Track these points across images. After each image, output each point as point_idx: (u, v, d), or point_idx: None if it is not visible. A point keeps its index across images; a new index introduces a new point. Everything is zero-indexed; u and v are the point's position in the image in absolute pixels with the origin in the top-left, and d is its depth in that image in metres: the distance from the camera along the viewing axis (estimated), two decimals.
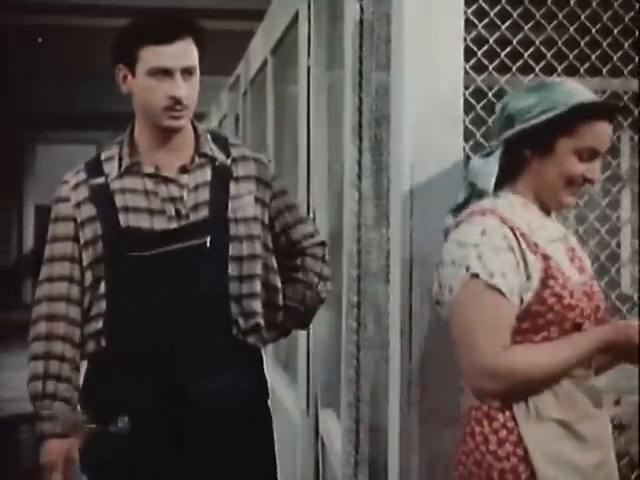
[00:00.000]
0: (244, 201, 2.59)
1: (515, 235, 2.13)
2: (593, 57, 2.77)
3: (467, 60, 2.56)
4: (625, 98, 2.78)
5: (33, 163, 15.81)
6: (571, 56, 2.75)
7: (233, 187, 2.59)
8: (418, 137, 2.47)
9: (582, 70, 2.76)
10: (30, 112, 14.08)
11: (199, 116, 12.21)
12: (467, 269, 2.10)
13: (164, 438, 2.53)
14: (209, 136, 2.63)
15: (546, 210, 2.24)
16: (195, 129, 2.62)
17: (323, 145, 4.19)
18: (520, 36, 2.72)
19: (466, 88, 2.56)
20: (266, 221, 2.63)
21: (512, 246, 2.11)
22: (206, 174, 2.58)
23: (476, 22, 2.62)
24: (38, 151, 15.89)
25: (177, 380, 2.53)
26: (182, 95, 2.50)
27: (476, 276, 2.09)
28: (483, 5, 2.64)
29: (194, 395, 2.52)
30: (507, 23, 2.70)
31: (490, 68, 2.67)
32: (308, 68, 4.24)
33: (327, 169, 4.19)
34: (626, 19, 2.75)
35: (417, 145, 2.47)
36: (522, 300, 2.11)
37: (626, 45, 2.78)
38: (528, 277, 2.11)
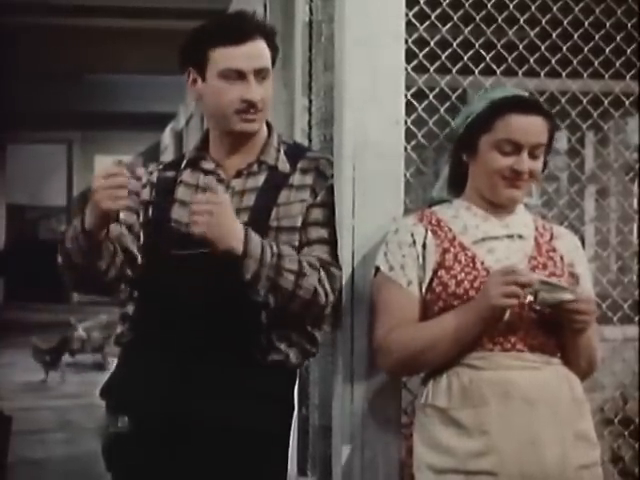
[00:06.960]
0: (292, 209, 2.43)
1: (427, 232, 2.33)
2: (532, 60, 2.82)
3: (408, 62, 2.60)
4: (563, 100, 2.83)
5: (3, 162, 15.76)
6: (510, 59, 2.80)
7: (284, 194, 2.44)
8: (360, 137, 2.50)
9: (520, 72, 2.82)
10: (0, 111, 14.04)
11: (168, 116, 12.20)
12: (376, 263, 2.38)
13: (161, 442, 2.41)
14: (283, 146, 2.52)
15: (497, 209, 2.33)
16: (269, 135, 2.51)
17: None
18: (460, 38, 2.77)
19: (408, 89, 2.61)
20: None
21: (416, 241, 2.32)
22: (259, 180, 2.46)
23: (417, 24, 2.66)
24: (8, 150, 15.83)
25: (183, 387, 2.39)
26: (256, 98, 2.39)
27: (379, 269, 2.35)
28: (424, 7, 2.69)
29: (195, 404, 2.39)
30: (448, 25, 2.74)
31: (431, 70, 2.72)
32: None
33: None
34: (565, 22, 2.80)
35: (359, 145, 2.50)
36: (422, 289, 2.31)
37: (564, 48, 2.84)
38: (423, 269, 2.30)
